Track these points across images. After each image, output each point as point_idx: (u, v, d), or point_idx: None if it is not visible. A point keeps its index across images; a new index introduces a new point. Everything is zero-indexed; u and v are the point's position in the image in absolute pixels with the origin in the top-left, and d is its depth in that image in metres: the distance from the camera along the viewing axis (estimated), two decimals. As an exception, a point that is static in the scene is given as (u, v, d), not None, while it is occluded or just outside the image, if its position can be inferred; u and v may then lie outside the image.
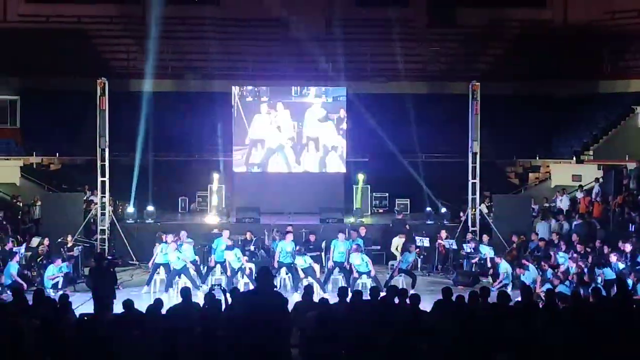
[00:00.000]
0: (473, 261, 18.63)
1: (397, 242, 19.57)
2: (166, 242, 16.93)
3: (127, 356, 8.43)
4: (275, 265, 16.78)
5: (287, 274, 16.89)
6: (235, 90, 23.79)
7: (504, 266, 17.07)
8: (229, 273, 16.63)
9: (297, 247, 16.98)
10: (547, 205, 23.11)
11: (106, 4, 31.29)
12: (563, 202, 22.55)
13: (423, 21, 31.48)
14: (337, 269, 16.95)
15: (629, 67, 28.82)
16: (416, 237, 19.39)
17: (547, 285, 14.49)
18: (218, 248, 17.06)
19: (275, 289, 9.33)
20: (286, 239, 17.07)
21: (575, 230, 19.53)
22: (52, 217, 19.86)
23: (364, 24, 30.82)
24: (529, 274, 15.87)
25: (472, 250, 18.79)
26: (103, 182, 20.41)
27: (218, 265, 17.00)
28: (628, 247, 16.39)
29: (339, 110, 23.62)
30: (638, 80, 27.65)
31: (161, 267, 16.72)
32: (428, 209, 22.05)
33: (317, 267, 17.03)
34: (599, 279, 14.81)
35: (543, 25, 31.24)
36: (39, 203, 21.75)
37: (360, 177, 23.60)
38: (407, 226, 20.15)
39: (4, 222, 20.29)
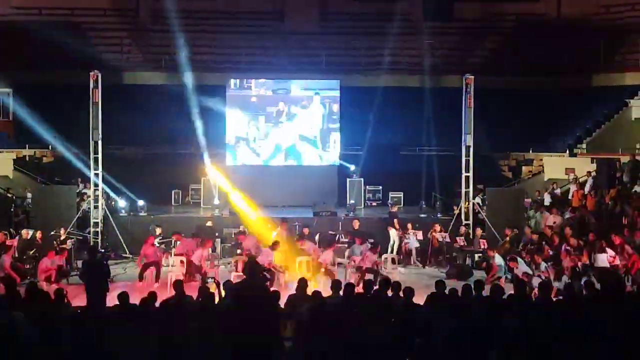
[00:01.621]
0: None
1: (391, 233, 19.58)
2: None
3: (122, 349, 8.41)
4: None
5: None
6: (229, 83, 23.81)
7: (498, 259, 17.08)
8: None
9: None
10: (539, 198, 23.14)
11: (99, -4, 31.19)
12: (546, 199, 22.64)
13: (418, 14, 31.41)
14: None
15: (622, 60, 28.86)
16: (409, 230, 19.42)
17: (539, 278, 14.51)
18: None
19: (266, 283, 9.32)
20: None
21: (568, 223, 19.54)
22: (44, 210, 19.73)
23: (359, 17, 30.75)
24: (522, 267, 15.88)
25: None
26: (96, 175, 20.31)
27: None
28: (617, 240, 16.44)
29: (332, 104, 23.60)
30: (632, 74, 27.71)
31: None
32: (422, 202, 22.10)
33: None
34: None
35: (537, 18, 31.24)
36: (29, 195, 21.65)
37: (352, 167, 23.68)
38: (395, 220, 19.99)
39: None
